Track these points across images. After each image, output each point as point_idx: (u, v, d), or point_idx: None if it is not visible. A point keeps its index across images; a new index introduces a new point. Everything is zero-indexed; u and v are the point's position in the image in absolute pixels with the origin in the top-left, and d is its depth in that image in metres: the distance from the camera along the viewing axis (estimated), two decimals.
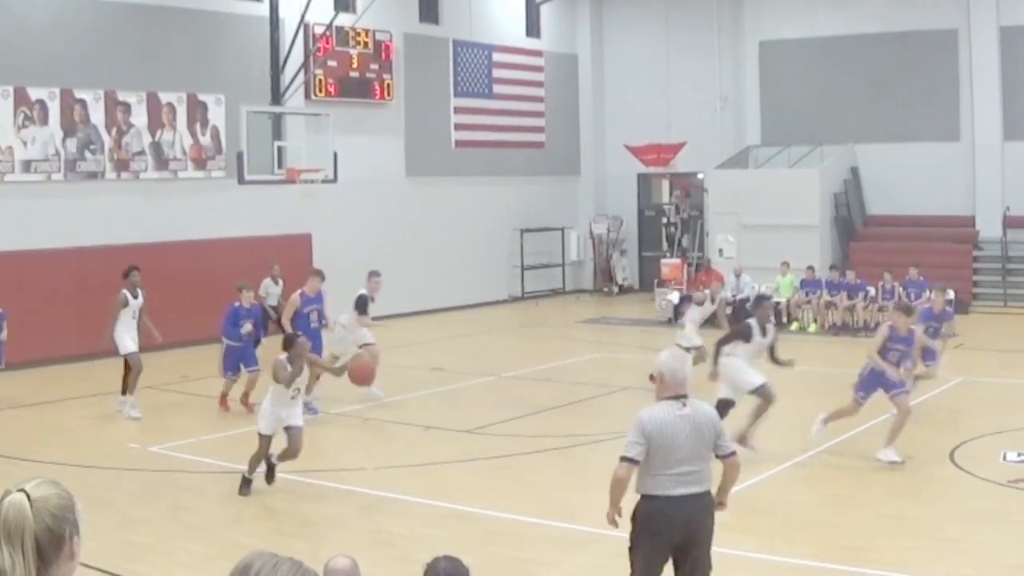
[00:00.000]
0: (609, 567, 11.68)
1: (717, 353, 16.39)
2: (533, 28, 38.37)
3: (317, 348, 18.48)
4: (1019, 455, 15.63)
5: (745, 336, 16.37)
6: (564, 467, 15.80)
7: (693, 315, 22.91)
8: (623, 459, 8.41)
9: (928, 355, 18.89)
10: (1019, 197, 33.81)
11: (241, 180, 26.97)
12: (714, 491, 8.70)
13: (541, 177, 38.74)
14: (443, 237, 34.61)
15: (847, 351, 25.99)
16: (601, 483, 13.81)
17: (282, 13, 29.83)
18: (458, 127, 35.81)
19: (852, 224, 35.59)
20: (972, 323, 30.30)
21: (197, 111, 28.19)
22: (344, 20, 31.19)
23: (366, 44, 32.12)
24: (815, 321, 30.09)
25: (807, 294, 30.60)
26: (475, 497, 14.09)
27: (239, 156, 26.74)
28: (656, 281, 33.72)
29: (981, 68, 34.55)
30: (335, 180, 28.21)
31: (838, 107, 36.24)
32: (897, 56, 35.52)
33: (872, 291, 29.71)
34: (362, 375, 17.14)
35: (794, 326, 30.08)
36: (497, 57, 37.00)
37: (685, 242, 36.56)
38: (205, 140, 28.33)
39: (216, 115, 28.45)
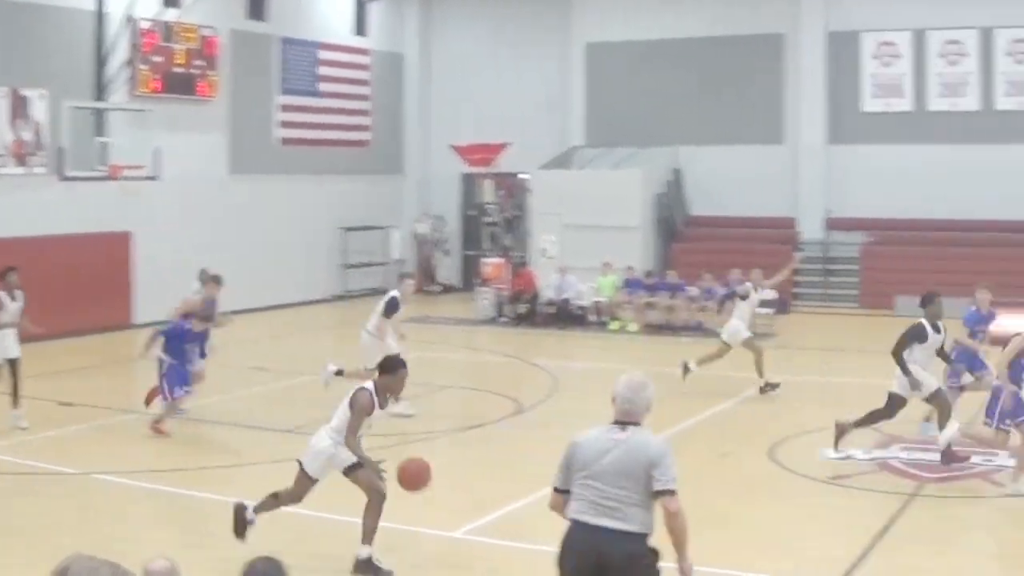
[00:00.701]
0: (432, 564, 11.64)
1: (903, 363, 15.71)
2: (361, 26, 38.07)
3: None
4: (839, 453, 15.92)
5: (920, 337, 15.87)
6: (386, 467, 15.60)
7: (742, 311, 21.77)
8: (554, 489, 7.93)
9: (977, 362, 17.84)
10: (841, 199, 34.59)
11: (62, 176, 26.33)
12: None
13: (365, 176, 38.48)
14: (267, 235, 34.13)
15: (667, 350, 26.34)
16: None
17: (108, 7, 29.13)
18: (283, 125, 35.35)
19: (674, 225, 36.03)
20: (793, 323, 30.86)
21: (19, 106, 27.36)
22: (170, 15, 30.61)
23: (192, 40, 31.54)
24: (635, 321, 30.31)
25: (628, 294, 30.85)
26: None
27: (60, 152, 26.09)
28: (478, 281, 33.70)
29: (807, 72, 35.27)
30: (157, 177, 27.69)
31: (663, 109, 36.64)
32: (723, 59, 36.06)
33: (692, 291, 30.10)
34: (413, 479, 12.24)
35: (615, 326, 30.31)
36: (324, 55, 36.63)
37: (508, 242, 36.60)
38: (27, 135, 27.52)
39: (38, 110, 27.63)
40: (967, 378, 17.57)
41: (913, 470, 15.29)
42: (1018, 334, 14.69)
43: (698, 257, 32.99)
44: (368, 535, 11.27)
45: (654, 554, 7.58)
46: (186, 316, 18.71)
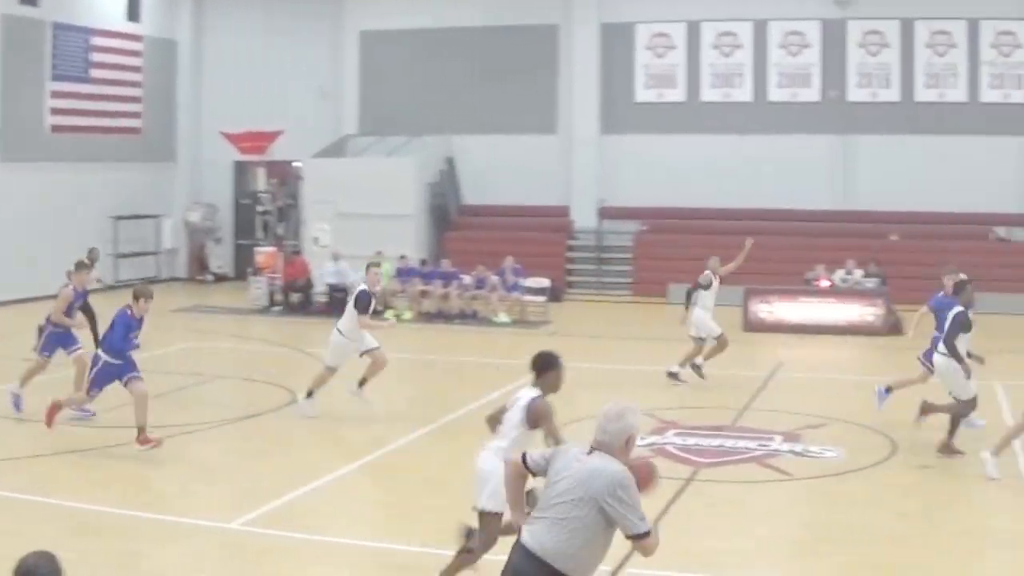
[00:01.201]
0: (210, 555, 11.31)
1: (957, 355, 15.55)
2: (134, 12, 37.04)
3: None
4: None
5: (966, 327, 15.69)
6: (160, 458, 15.15)
7: (706, 301, 21.42)
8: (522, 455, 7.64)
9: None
10: (614, 189, 34.97)
11: None
12: None
13: (137, 164, 37.50)
14: (37, 224, 32.94)
15: (441, 338, 26.25)
16: (196, 475, 13.35)
17: None
18: (54, 112, 34.22)
19: (448, 214, 35.97)
20: (567, 311, 31.09)
21: None
22: None
23: None
24: (410, 309, 30.15)
25: (402, 283, 30.68)
26: (73, 490, 13.39)
27: None
28: (251, 270, 33.14)
29: (580, 63, 35.56)
30: None
31: (438, 98, 36.54)
32: (498, 49, 36.13)
33: (467, 279, 30.08)
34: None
35: (389, 314, 30.07)
36: (96, 41, 35.55)
37: (281, 231, 36.10)
38: None
39: None
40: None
41: (688, 455, 15.43)
42: None
43: (472, 246, 33.03)
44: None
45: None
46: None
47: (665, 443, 16.11)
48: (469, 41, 36.39)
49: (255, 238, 36.38)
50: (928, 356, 17.05)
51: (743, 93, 34.74)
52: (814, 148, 33.90)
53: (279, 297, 31.54)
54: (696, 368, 21.10)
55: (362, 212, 33.32)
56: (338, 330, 17.89)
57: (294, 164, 36.04)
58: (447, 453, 15.59)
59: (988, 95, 33.33)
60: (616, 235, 35.18)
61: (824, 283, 29.27)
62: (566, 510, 7.10)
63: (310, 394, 17.85)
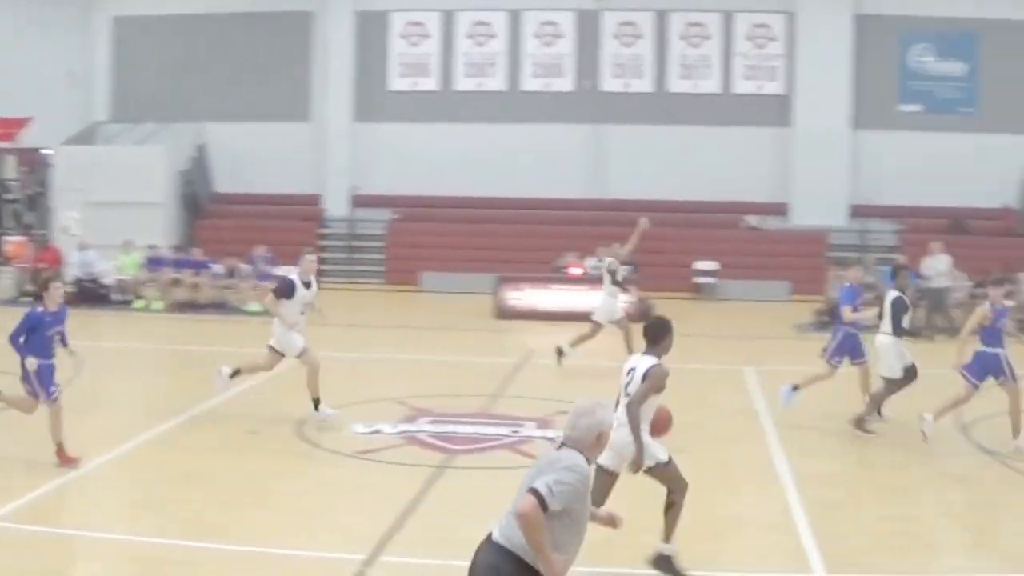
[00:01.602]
0: None
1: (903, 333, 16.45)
2: None
3: None
4: (367, 427, 15.82)
5: (905, 309, 16.49)
6: None
7: (611, 288, 21.62)
8: None
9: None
10: (367, 177, 34.81)
11: None
12: None
13: None
14: None
15: (192, 328, 25.73)
16: None
17: None
18: None
19: (199, 202, 35.32)
20: (320, 299, 30.72)
21: None
22: None
23: None
24: (160, 299, 29.47)
25: (152, 272, 29.98)
26: None
27: None
28: (0, 259, 31.96)
29: (334, 51, 35.24)
30: None
31: (191, 85, 35.85)
32: (251, 36, 35.61)
33: (218, 268, 29.56)
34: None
35: (139, 304, 29.37)
36: None
37: (30, 219, 34.93)
38: None
39: None
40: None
41: (441, 443, 15.34)
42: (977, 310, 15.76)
43: (224, 234, 32.52)
44: (669, 531, 10.52)
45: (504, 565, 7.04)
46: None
47: (418, 431, 15.98)
48: (223, 28, 35.77)
49: (3, 227, 35.09)
50: (835, 352, 17.35)
51: (497, 82, 34.91)
52: (567, 138, 34.26)
53: (29, 287, 30.44)
54: (560, 352, 21.22)
55: (112, 200, 32.55)
56: (276, 323, 16.96)
57: (43, 152, 34.90)
58: (197, 444, 15.21)
59: (742, 86, 34.14)
60: (369, 223, 35.02)
61: (575, 271, 29.55)
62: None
63: (236, 373, 17.03)
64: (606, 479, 10.35)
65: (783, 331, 26.36)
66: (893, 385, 16.66)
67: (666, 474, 10.55)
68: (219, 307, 28.87)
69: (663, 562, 10.46)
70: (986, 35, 34.01)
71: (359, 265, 34.73)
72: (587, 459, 7.21)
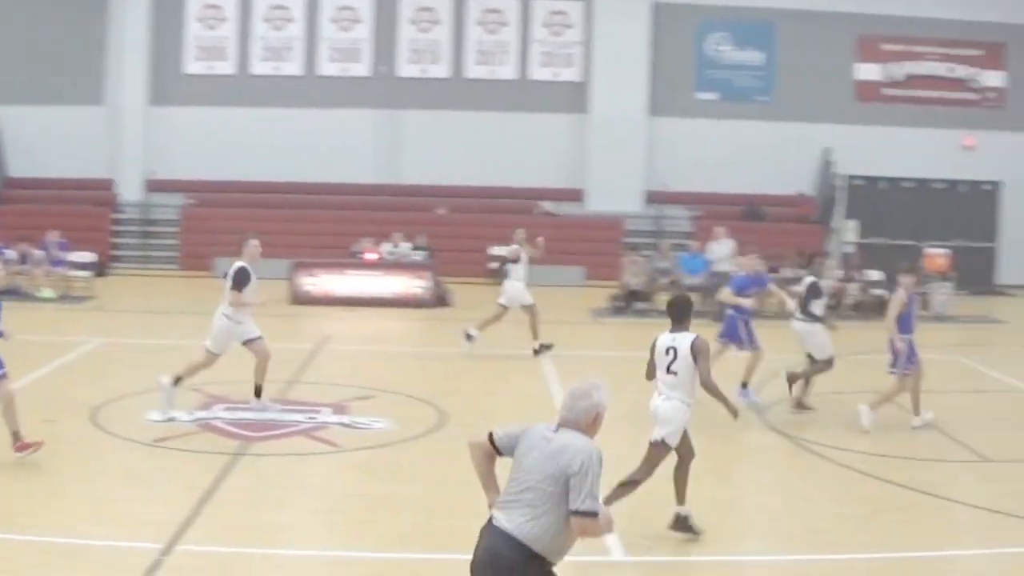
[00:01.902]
0: None
1: (815, 319, 17.34)
2: None
3: None
4: (163, 415, 15.62)
5: (818, 295, 17.50)
6: None
7: (518, 273, 21.78)
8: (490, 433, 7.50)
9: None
10: (162, 161, 34.22)
11: None
12: None
13: None
14: None
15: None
16: None
17: None
18: None
19: None
20: (112, 285, 30.26)
21: None
22: None
23: None
24: None
25: None
26: None
27: None
28: None
29: (129, 33, 34.49)
30: None
31: None
32: (43, 17, 34.61)
33: (10, 254, 28.82)
34: None
35: None
36: None
37: None
38: None
39: None
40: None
41: (237, 430, 15.23)
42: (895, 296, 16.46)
43: (17, 220, 31.66)
44: (681, 495, 11.45)
45: (526, 566, 7.01)
46: None
47: (213, 418, 15.84)
48: (13, 7, 34.73)
49: None
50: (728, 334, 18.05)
51: (294, 67, 34.66)
52: (364, 123, 34.16)
53: None
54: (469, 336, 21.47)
55: None
56: (223, 314, 16.20)
57: None
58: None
59: (539, 73, 34.43)
60: (163, 208, 34.46)
61: (371, 256, 29.52)
62: (538, 492, 7.01)
63: (178, 380, 16.10)
64: (662, 451, 11.41)
65: (579, 316, 26.73)
66: (820, 366, 17.40)
67: (657, 454, 11.44)
68: (11, 293, 28.11)
69: (681, 522, 11.42)
70: (783, 25, 34.82)
71: (153, 251, 34.19)
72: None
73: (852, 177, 34.82)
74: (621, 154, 33.85)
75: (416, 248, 30.41)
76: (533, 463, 7.11)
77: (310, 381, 18.73)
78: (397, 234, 30.50)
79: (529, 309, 21.77)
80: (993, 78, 35.40)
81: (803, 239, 31.28)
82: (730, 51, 35.04)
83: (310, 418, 15.97)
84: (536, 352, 21.50)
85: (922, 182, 35.18)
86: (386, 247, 30.06)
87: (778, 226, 33.20)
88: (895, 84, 35.12)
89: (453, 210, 33.58)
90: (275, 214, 32.79)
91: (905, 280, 16.46)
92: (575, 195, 34.23)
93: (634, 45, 34.02)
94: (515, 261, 22.00)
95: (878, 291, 28.76)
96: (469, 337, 21.46)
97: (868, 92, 35.08)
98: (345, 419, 15.96)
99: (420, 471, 13.81)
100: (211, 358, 16.13)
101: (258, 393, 16.14)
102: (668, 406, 11.34)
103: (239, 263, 16.14)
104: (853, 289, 28.41)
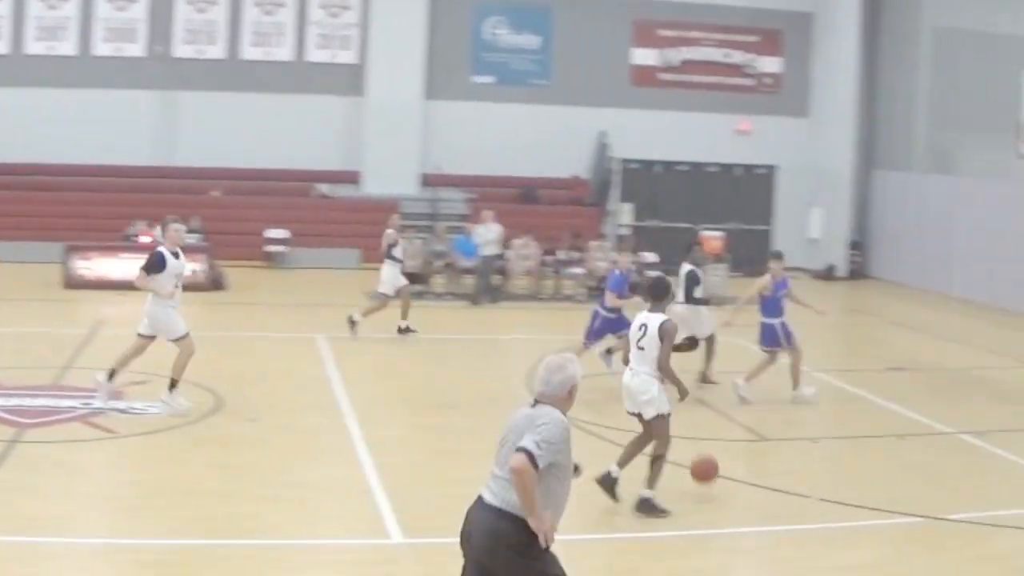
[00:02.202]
0: None
1: (696, 302, 18.32)
2: None
3: None
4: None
5: (697, 281, 18.41)
6: None
7: (394, 261, 22.25)
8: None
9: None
10: None
11: None
12: None
13: None
14: None
15: None
16: None
17: None
18: None
19: None
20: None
21: None
22: None
23: None
24: None
25: None
26: None
27: None
28: None
29: None
30: None
31: None
32: None
33: None
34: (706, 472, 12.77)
35: None
36: None
37: None
38: None
39: None
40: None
41: (12, 416, 14.88)
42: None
43: None
44: (652, 481, 12.13)
45: (521, 533, 7.36)
46: None
47: None
48: None
49: None
50: (593, 336, 18.66)
51: (69, 47, 33.72)
52: (138, 104, 33.42)
53: None
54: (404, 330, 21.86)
55: None
56: (152, 302, 15.77)
57: None
58: None
59: (315, 55, 34.19)
60: None
61: (145, 239, 28.98)
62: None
63: (112, 375, 15.69)
64: (664, 422, 12.26)
65: (354, 299, 26.69)
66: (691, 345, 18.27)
67: (661, 427, 12.24)
68: None
69: (645, 505, 12.05)
70: (559, 9, 35.07)
71: None
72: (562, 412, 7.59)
73: (627, 161, 35.42)
74: (397, 137, 33.81)
75: (191, 231, 29.94)
76: (511, 440, 7.47)
77: (86, 366, 18.33)
78: (169, 216, 29.94)
79: (402, 291, 22.08)
80: (769, 64, 36.34)
81: (578, 222, 31.76)
82: (507, 35, 35.26)
83: (85, 404, 15.68)
84: (400, 331, 21.85)
85: (697, 166, 35.99)
86: (159, 230, 29.51)
87: (554, 209, 33.63)
88: (671, 69, 35.79)
89: (228, 192, 33.17)
90: (48, 196, 31.94)
91: (774, 266, 17.62)
92: (352, 177, 34.11)
93: (411, 28, 34.00)
94: (392, 246, 22.26)
95: (654, 273, 29.38)
96: (353, 322, 21.69)
97: (644, 77, 35.69)
98: (120, 404, 15.72)
99: (197, 456, 13.72)
100: (186, 346, 15.75)
101: (173, 385, 15.77)
102: (637, 381, 12.24)
103: (159, 248, 16.04)
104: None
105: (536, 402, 7.64)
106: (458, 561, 9.98)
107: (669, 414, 12.28)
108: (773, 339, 17.49)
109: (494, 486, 7.53)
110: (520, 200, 33.72)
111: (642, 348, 12.23)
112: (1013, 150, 24.77)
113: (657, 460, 12.20)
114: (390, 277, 22.06)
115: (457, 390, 17.67)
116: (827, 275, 34.29)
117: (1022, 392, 19.62)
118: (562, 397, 7.65)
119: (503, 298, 27.19)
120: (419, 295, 26.85)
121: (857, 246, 35.14)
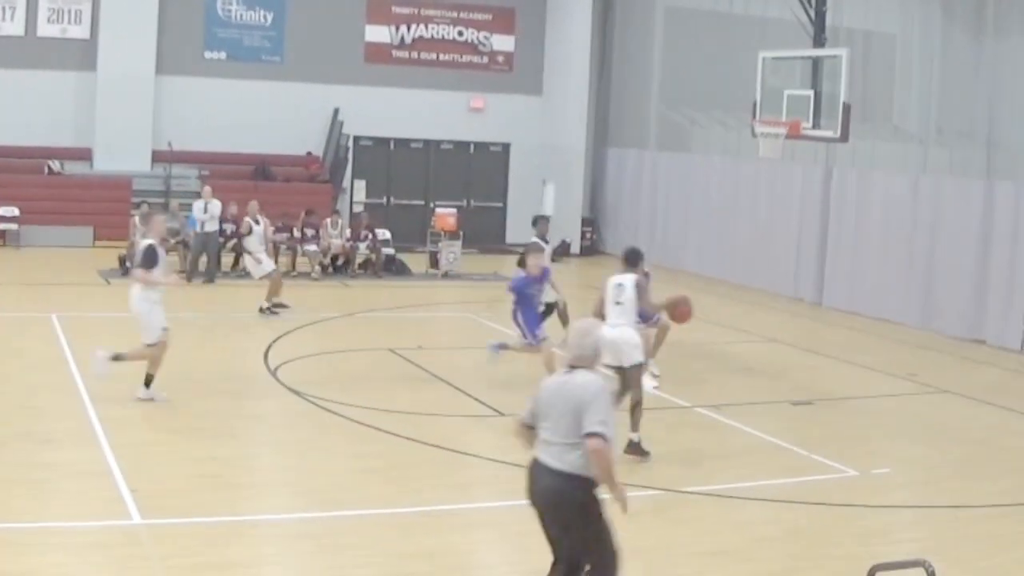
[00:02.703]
0: None
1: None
2: None
3: None
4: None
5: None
6: None
7: (255, 245, 23.20)
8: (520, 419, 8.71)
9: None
10: None
11: None
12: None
13: None
14: None
15: None
16: None
17: None
18: None
19: None
20: None
21: None
22: None
23: None
24: None
25: None
26: None
27: None
28: None
29: None
30: None
31: None
32: None
33: None
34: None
35: None
36: None
37: None
38: None
39: None
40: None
41: None
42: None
43: None
44: (636, 425, 13.76)
45: (584, 492, 8.20)
46: None
47: None
48: None
49: None
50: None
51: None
52: None
53: None
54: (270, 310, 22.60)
55: None
56: (138, 300, 15.34)
57: None
58: None
59: (46, 29, 33.27)
60: None
61: None
62: (570, 427, 8.14)
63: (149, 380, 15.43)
64: (640, 369, 14.10)
65: (88, 277, 26.29)
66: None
67: (636, 376, 13.93)
68: None
69: (633, 447, 13.72)
70: None
71: None
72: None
73: (360, 138, 35.56)
74: (129, 113, 33.15)
75: None
76: (560, 406, 8.27)
77: None
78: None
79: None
80: (502, 42, 36.89)
81: (313, 199, 31.77)
82: (239, 10, 34.95)
83: None
84: (263, 311, 22.54)
85: (431, 143, 36.37)
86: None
87: (288, 186, 33.54)
88: (405, 47, 36.06)
89: None
90: None
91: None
92: (84, 154, 33.36)
93: (142, 3, 33.39)
94: (248, 234, 23.21)
95: (388, 250, 29.67)
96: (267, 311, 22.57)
97: (378, 54, 35.82)
98: None
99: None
100: (156, 350, 15.49)
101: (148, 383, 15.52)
102: (618, 332, 13.68)
103: (147, 241, 15.65)
104: (362, 248, 29.17)
105: (570, 367, 8.46)
106: (198, 541, 10.16)
107: (643, 363, 14.24)
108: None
109: (553, 450, 8.28)
110: (254, 177, 33.56)
111: (621, 304, 14.04)
112: (749, 129, 25.71)
113: (636, 407, 13.76)
114: (249, 264, 23.38)
115: (192, 368, 17.62)
116: (562, 252, 35.09)
117: (756, 365, 20.49)
118: (593, 357, 8.55)
119: (219, 276, 26.97)
120: None
121: (590, 223, 36.01)
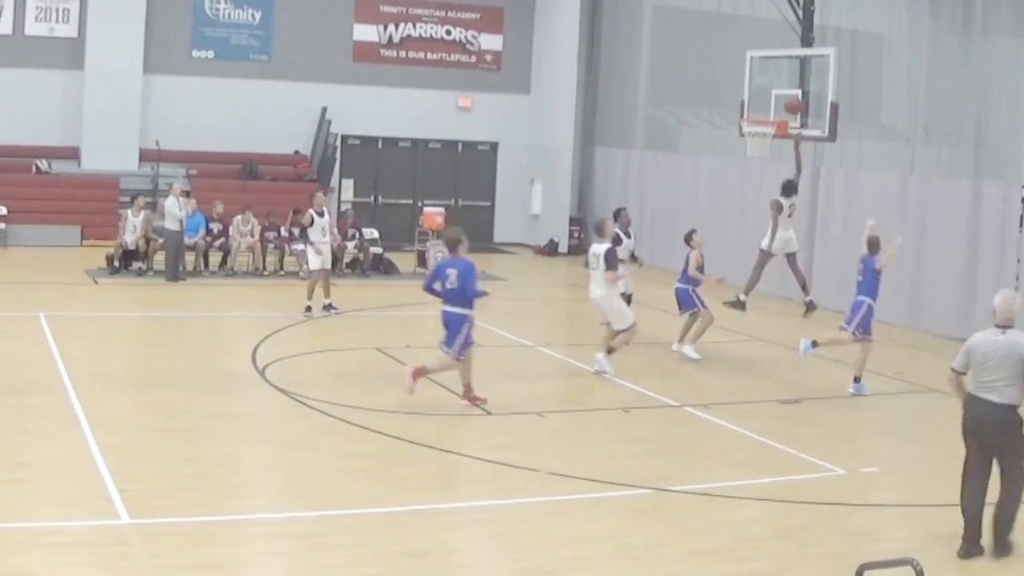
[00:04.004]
0: None
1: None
2: None
3: None
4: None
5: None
6: None
7: (315, 235, 23.14)
8: (951, 369, 11.24)
9: None
10: None
11: None
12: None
13: None
14: None
15: None
16: None
17: None
18: None
19: None
20: None
21: None
22: None
23: None
24: None
25: None
26: None
27: None
28: None
29: None
30: None
31: None
32: None
33: None
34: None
35: None
36: None
37: None
38: None
39: None
40: None
41: None
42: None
43: None
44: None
45: (1013, 420, 10.73)
46: None
47: None
48: None
49: None
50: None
51: None
52: None
53: None
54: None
55: None
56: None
57: None
58: None
59: (33, 28, 33.13)
60: None
61: None
62: (1010, 374, 10.69)
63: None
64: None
65: (75, 276, 26.22)
66: None
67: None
68: None
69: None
70: None
71: None
72: None
73: (349, 137, 35.51)
74: (116, 112, 33.07)
75: None
76: (999, 357, 10.77)
77: None
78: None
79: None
80: (490, 41, 36.88)
81: (301, 198, 31.67)
82: (227, 9, 34.86)
83: None
84: (313, 310, 22.73)
85: (419, 142, 36.34)
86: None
87: (276, 184, 33.50)
88: (393, 45, 36.02)
89: None
90: None
91: (697, 238, 20.66)
92: (72, 153, 33.27)
93: (130, 1, 33.27)
94: (310, 225, 23.03)
95: (376, 249, 29.60)
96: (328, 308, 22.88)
97: (366, 53, 35.79)
98: None
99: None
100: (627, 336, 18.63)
101: None
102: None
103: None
104: (351, 247, 29.11)
105: (1002, 327, 10.90)
106: (186, 541, 10.14)
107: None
108: (689, 302, 20.31)
109: (997, 389, 10.73)
110: (242, 176, 33.52)
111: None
112: (736, 128, 25.68)
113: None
114: (312, 254, 23.11)
115: (180, 368, 17.59)
116: (550, 250, 35.03)
117: (745, 365, 20.49)
118: (1013, 319, 10.94)
119: (189, 275, 26.83)
120: (140, 272, 26.59)
121: (578, 222, 35.97)
